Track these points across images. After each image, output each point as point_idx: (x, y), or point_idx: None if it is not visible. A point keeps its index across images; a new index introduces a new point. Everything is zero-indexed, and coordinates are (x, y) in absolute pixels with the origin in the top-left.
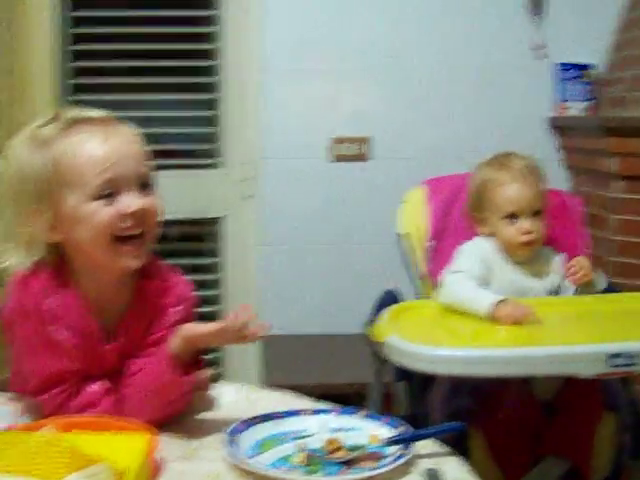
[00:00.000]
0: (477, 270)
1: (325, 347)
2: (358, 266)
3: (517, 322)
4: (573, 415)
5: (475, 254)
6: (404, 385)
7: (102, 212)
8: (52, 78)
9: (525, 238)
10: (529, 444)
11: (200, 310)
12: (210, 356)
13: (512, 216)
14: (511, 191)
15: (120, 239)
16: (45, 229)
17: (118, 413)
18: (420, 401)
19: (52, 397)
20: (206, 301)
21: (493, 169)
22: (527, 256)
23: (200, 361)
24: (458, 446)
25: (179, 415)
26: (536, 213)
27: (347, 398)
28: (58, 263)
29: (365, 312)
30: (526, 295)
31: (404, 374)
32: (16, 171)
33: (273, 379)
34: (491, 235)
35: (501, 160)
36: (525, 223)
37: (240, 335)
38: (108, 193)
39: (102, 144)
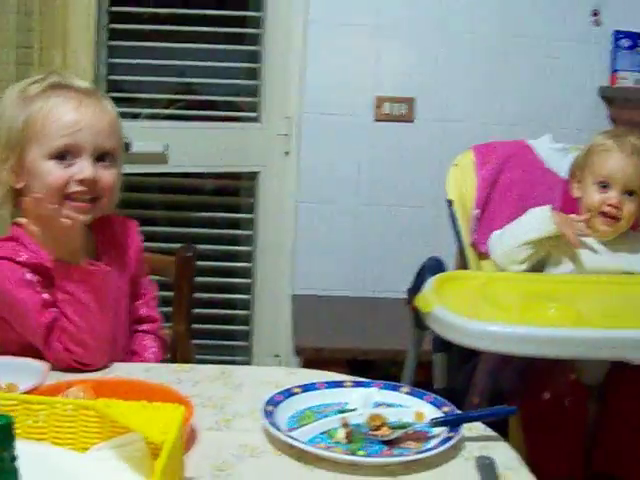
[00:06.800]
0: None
1: (357, 310)
2: (396, 230)
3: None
4: (625, 421)
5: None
6: (443, 357)
7: (55, 173)
8: (91, 23)
9: (608, 209)
10: (572, 432)
11: (231, 265)
12: (241, 312)
13: (604, 184)
14: (612, 159)
15: (69, 197)
16: (8, 173)
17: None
18: (458, 375)
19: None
20: (238, 257)
21: (606, 136)
22: (608, 235)
23: None
24: (497, 426)
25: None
26: (631, 193)
27: (377, 364)
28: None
29: (400, 278)
30: (593, 272)
31: (443, 345)
32: None
33: (302, 340)
34: (580, 199)
35: (616, 132)
36: (614, 195)
37: None
38: (64, 156)
39: (73, 110)
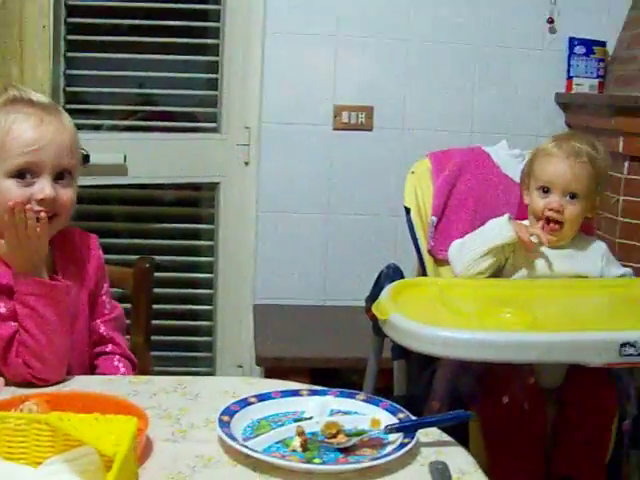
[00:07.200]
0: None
1: (318, 319)
2: (356, 238)
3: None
4: (584, 423)
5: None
6: (402, 363)
7: (14, 192)
8: (49, 34)
9: (550, 214)
10: (532, 435)
11: (193, 276)
12: (203, 323)
13: (545, 189)
14: (551, 164)
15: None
16: None
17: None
18: (418, 381)
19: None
20: (199, 268)
21: (549, 141)
22: (556, 243)
23: None
24: (457, 432)
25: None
26: (573, 196)
27: (339, 372)
28: None
29: (360, 286)
30: (547, 277)
31: (402, 352)
32: None
33: (264, 350)
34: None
35: (561, 136)
36: (555, 200)
37: None
38: (24, 174)
39: (34, 128)
